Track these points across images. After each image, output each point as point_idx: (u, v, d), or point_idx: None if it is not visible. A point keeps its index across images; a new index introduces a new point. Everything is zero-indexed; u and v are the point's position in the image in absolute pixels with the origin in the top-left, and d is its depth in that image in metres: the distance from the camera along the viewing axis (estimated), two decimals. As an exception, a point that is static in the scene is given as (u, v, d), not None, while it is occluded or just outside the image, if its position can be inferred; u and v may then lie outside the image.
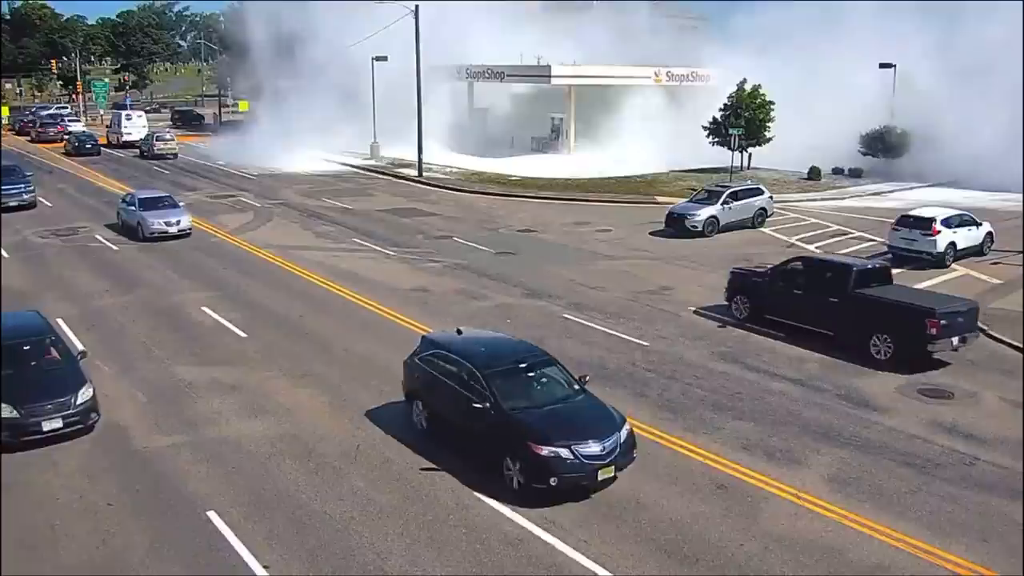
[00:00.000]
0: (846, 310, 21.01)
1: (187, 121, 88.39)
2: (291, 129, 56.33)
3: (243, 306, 24.55)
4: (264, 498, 14.08)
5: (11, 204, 39.13)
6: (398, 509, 13.73)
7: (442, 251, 31.88)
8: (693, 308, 24.70)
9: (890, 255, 29.97)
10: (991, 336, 22.05)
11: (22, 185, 40.64)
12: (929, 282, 27.29)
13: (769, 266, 24.40)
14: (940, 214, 29.92)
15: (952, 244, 29.25)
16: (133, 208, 34.45)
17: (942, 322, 19.51)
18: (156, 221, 33.32)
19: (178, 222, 33.70)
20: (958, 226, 29.81)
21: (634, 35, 63.56)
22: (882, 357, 20.15)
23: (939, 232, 28.97)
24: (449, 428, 15.69)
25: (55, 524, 13.39)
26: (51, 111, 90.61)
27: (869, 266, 22.88)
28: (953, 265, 29.15)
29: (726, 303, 24.05)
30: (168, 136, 64.22)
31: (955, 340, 19.95)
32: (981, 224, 30.71)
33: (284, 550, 12.62)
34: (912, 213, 30.49)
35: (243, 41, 68.33)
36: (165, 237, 33.09)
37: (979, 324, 21.09)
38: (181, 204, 35.86)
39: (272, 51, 63.44)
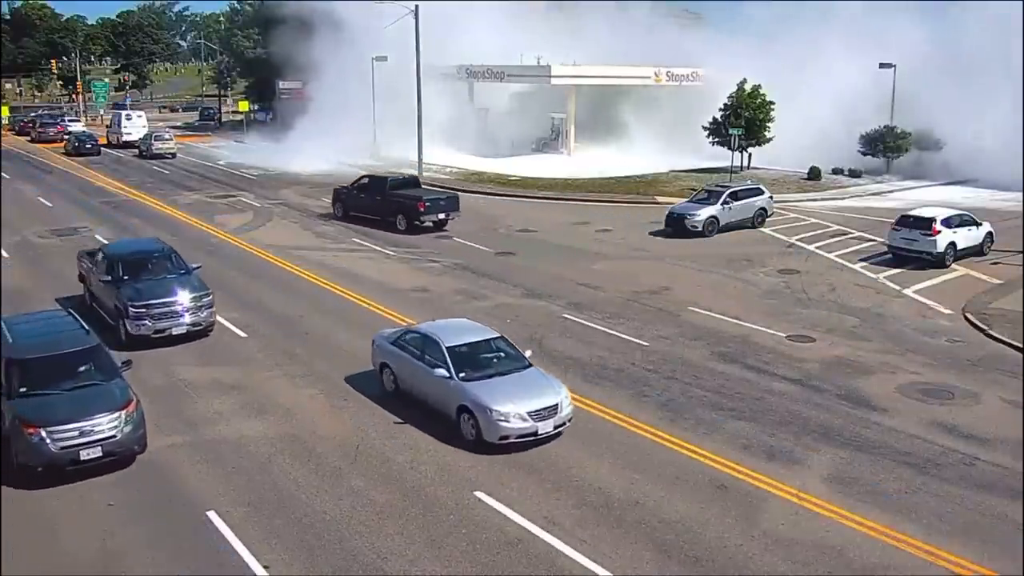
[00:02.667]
0: (385, 203, 35.73)
1: (209, 118, 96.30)
2: (312, 131, 56.26)
3: (243, 306, 24.53)
4: (264, 498, 14.08)
5: (172, 332, 21.33)
6: (398, 509, 13.74)
7: (442, 251, 31.87)
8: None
9: (890, 255, 30.04)
10: (991, 336, 22.09)
11: (188, 293, 21.73)
12: (929, 282, 27.33)
13: (348, 184, 38.68)
14: (940, 214, 29.91)
15: (952, 244, 29.22)
16: (441, 370, 16.37)
17: (427, 204, 34.51)
18: (505, 411, 15.41)
19: (553, 410, 15.76)
20: (958, 226, 29.79)
21: (634, 34, 63.48)
22: (401, 228, 34.53)
23: (939, 232, 28.95)
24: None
25: (55, 524, 13.41)
26: None
27: (400, 177, 38.32)
28: (953, 265, 29.13)
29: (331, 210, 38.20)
30: (167, 136, 64.59)
31: (441, 215, 34.79)
32: (981, 224, 30.69)
33: (284, 550, 12.62)
34: (912, 213, 30.45)
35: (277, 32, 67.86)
36: (530, 442, 15.64)
37: (458, 207, 35.57)
38: (528, 353, 17.55)
39: (289, 50, 63.36)
